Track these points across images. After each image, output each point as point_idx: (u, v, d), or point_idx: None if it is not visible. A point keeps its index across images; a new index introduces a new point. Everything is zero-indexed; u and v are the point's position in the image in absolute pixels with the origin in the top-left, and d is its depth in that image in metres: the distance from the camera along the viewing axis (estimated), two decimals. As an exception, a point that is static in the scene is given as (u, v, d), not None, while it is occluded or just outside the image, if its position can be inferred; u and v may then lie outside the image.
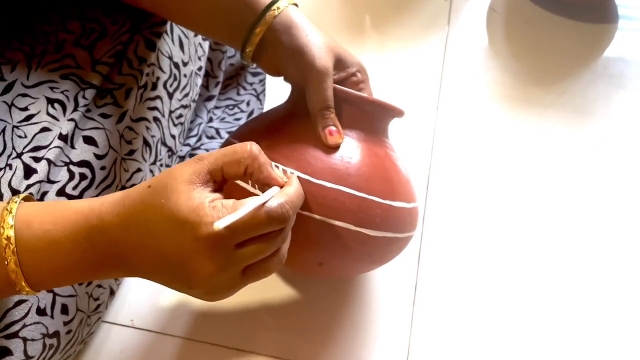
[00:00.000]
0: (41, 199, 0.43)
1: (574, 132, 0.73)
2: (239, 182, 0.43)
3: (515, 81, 0.79)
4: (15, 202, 0.36)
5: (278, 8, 0.45)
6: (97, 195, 0.47)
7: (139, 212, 0.34)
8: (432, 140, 0.72)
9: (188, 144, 0.67)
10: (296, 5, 0.47)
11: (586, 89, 0.77)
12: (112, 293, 0.54)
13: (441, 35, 0.84)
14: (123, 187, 0.51)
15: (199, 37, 0.64)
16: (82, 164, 0.46)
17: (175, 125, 0.60)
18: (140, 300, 0.58)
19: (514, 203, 0.66)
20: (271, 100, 0.73)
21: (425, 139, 0.72)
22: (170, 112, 0.58)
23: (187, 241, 0.33)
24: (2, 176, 0.42)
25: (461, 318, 0.58)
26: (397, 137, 0.55)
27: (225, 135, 0.69)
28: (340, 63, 0.48)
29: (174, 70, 0.57)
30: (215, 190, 0.36)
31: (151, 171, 0.56)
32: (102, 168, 0.47)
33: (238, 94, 0.74)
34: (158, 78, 0.54)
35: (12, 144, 0.43)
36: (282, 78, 0.49)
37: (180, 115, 0.60)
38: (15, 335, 0.41)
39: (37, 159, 0.43)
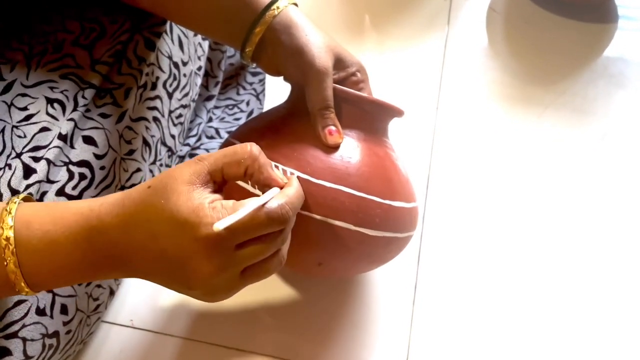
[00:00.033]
0: (40, 199, 0.43)
1: (573, 131, 0.73)
2: (239, 182, 0.43)
3: (515, 81, 0.78)
4: (15, 202, 0.35)
5: (278, 8, 0.45)
6: (96, 195, 0.47)
7: (139, 213, 0.34)
8: (431, 140, 0.72)
9: (188, 144, 0.67)
10: (296, 4, 0.47)
11: (586, 88, 0.77)
12: (112, 293, 0.54)
13: (441, 35, 0.84)
14: (122, 187, 0.51)
15: (199, 36, 0.64)
16: (82, 163, 0.46)
17: (174, 125, 0.60)
18: (140, 300, 0.58)
19: (514, 203, 0.66)
20: (271, 100, 0.73)
21: (425, 138, 0.72)
22: (170, 112, 0.58)
23: (187, 242, 0.33)
24: (1, 176, 0.41)
25: (461, 317, 0.58)
26: (396, 136, 0.55)
27: (225, 135, 0.69)
28: (340, 63, 0.48)
29: (174, 70, 0.57)
30: (215, 191, 0.36)
31: (151, 171, 0.56)
32: (102, 168, 0.47)
33: (238, 93, 0.74)
34: (157, 78, 0.54)
35: (12, 143, 0.43)
36: (281, 78, 0.49)
37: (180, 115, 0.60)
38: (14, 335, 0.41)
39: (36, 159, 0.43)
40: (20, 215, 0.35)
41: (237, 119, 0.71)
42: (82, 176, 0.46)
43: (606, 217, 0.65)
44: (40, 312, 0.43)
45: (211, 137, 0.69)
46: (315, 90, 0.45)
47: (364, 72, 0.50)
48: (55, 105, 0.45)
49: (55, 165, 0.44)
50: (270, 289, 0.59)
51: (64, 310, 0.45)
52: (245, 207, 0.33)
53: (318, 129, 0.45)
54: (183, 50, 0.59)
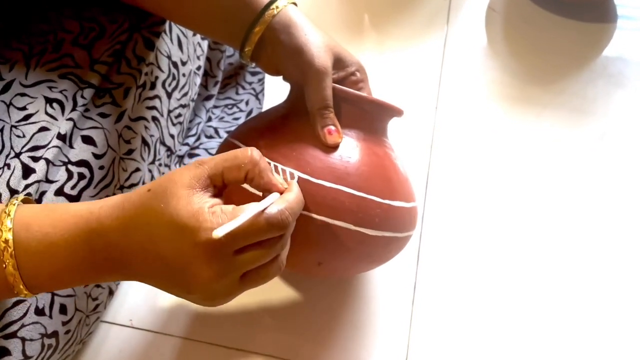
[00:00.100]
0: (40, 198, 0.43)
1: (572, 131, 0.73)
2: None
3: (514, 80, 0.79)
4: (14, 204, 0.35)
5: (277, 7, 0.45)
6: (95, 195, 0.47)
7: (139, 216, 0.34)
8: (431, 139, 0.72)
9: (187, 144, 0.67)
10: (295, 4, 0.47)
11: (585, 88, 0.77)
12: (111, 293, 0.54)
13: (440, 35, 0.84)
14: (122, 187, 0.51)
15: (198, 36, 0.64)
16: (81, 163, 0.46)
17: (174, 124, 0.60)
18: (139, 300, 0.58)
19: (513, 202, 0.66)
20: (270, 99, 0.73)
21: (424, 138, 0.72)
22: (169, 111, 0.58)
23: (186, 246, 0.33)
24: (0, 176, 0.41)
25: (460, 317, 0.58)
26: (396, 136, 0.55)
27: (224, 135, 0.69)
28: (339, 62, 0.48)
29: (173, 70, 0.57)
30: (215, 195, 0.36)
31: (150, 171, 0.56)
32: (101, 168, 0.47)
33: (237, 93, 0.74)
34: (157, 77, 0.54)
35: (11, 143, 0.43)
36: (281, 77, 0.49)
37: (179, 115, 0.60)
38: (13, 335, 0.41)
39: (35, 159, 0.43)
40: (19, 218, 0.35)
41: (236, 119, 0.71)
42: (81, 176, 0.45)
43: (605, 217, 0.65)
44: (39, 312, 0.43)
45: (210, 137, 0.69)
46: (315, 89, 0.45)
47: (364, 71, 0.50)
48: (54, 105, 0.45)
49: (54, 165, 0.44)
50: (270, 289, 0.59)
51: (63, 310, 0.45)
52: (245, 213, 0.33)
53: (317, 129, 0.45)
54: (182, 49, 0.59)
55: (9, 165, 0.42)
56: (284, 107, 0.51)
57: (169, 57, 0.56)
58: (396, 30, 0.84)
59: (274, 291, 0.59)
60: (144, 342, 0.56)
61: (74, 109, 0.46)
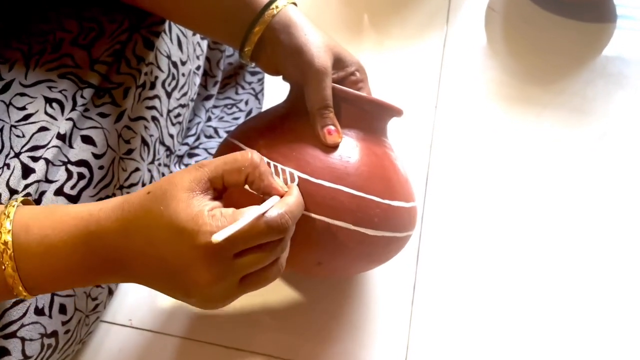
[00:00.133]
0: (39, 198, 0.43)
1: (572, 131, 0.73)
2: None
3: (513, 80, 0.79)
4: (13, 206, 0.35)
5: (277, 7, 0.45)
6: (95, 195, 0.47)
7: (138, 218, 0.34)
8: (430, 139, 0.72)
9: (186, 143, 0.67)
10: (295, 4, 0.47)
11: (585, 88, 0.77)
12: (111, 293, 0.54)
13: (440, 34, 0.84)
14: (121, 187, 0.51)
15: (198, 36, 0.64)
16: (80, 163, 0.46)
17: (173, 124, 0.60)
18: (139, 299, 0.58)
19: (513, 202, 0.66)
20: (270, 99, 0.73)
21: (423, 138, 0.72)
22: (169, 111, 0.58)
23: (185, 249, 0.33)
24: (0, 176, 0.41)
25: (459, 317, 0.58)
26: (395, 136, 0.55)
27: (224, 135, 0.69)
28: (339, 62, 0.48)
29: (173, 70, 0.57)
30: (215, 198, 0.36)
31: (149, 170, 0.56)
32: (100, 167, 0.47)
33: (236, 93, 0.74)
34: (156, 77, 0.54)
35: (10, 143, 0.43)
36: (280, 77, 0.49)
37: (179, 115, 0.60)
38: (13, 335, 0.41)
39: (35, 159, 0.43)
40: (18, 219, 0.35)
41: (236, 119, 0.71)
42: (81, 176, 0.45)
43: (605, 217, 0.65)
44: (38, 311, 0.43)
45: (210, 137, 0.69)
46: (315, 89, 0.44)
47: (363, 71, 0.50)
48: (54, 104, 0.45)
49: (53, 164, 0.44)
50: (269, 289, 0.58)
51: (62, 310, 0.45)
52: (245, 217, 0.33)
53: (317, 129, 0.45)
54: (182, 49, 0.59)
55: (8, 165, 0.42)
56: (284, 107, 0.51)
57: (168, 57, 0.56)
58: (396, 30, 0.84)
59: (274, 291, 0.59)
60: (144, 341, 0.56)
61: (73, 109, 0.46)
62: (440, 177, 0.68)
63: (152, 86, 0.54)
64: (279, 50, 0.45)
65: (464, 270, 0.61)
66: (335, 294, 0.59)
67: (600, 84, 0.78)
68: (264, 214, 0.34)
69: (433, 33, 0.84)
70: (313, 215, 0.43)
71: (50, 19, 0.50)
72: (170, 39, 0.56)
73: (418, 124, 0.73)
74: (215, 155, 0.51)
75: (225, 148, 0.49)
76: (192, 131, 0.68)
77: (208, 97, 0.71)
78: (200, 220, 0.33)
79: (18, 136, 0.43)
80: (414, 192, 0.51)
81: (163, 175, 0.60)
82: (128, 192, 0.52)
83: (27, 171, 0.42)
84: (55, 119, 0.45)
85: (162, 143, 0.58)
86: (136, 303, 0.58)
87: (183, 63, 0.59)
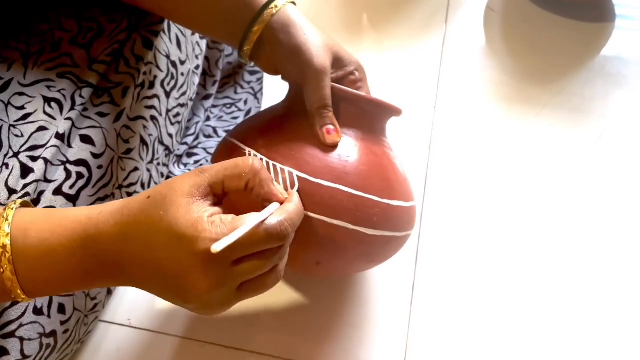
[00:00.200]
0: (38, 198, 0.43)
1: (571, 131, 0.73)
2: None
3: (512, 80, 0.79)
4: (12, 208, 0.35)
5: (276, 6, 0.45)
6: (94, 194, 0.47)
7: (138, 223, 0.34)
8: (429, 139, 0.72)
9: (185, 143, 0.67)
10: (294, 3, 0.47)
11: (583, 87, 0.78)
12: (109, 292, 0.54)
13: (439, 34, 0.84)
14: (120, 186, 0.50)
15: (197, 35, 0.64)
16: (79, 163, 0.45)
17: (172, 124, 0.59)
18: (138, 299, 0.58)
19: (512, 202, 0.66)
20: (269, 99, 0.73)
21: (422, 137, 0.72)
22: (168, 110, 0.58)
23: (184, 255, 0.33)
24: (-1, 175, 0.41)
25: (458, 317, 0.58)
26: (394, 136, 0.55)
27: (223, 134, 0.69)
28: (338, 62, 0.48)
29: (172, 69, 0.57)
30: (215, 204, 0.36)
31: (148, 170, 0.56)
32: (99, 167, 0.47)
33: (235, 92, 0.74)
34: (155, 77, 0.54)
35: (9, 143, 0.43)
36: (279, 77, 0.49)
37: (178, 114, 0.60)
38: (12, 334, 0.41)
39: (34, 158, 0.43)
40: (17, 222, 0.34)
41: (235, 118, 0.71)
42: (80, 175, 0.45)
43: (604, 216, 0.65)
44: (37, 311, 0.43)
45: (209, 136, 0.69)
46: (314, 89, 0.44)
47: (362, 71, 0.50)
48: (53, 104, 0.45)
49: (52, 164, 0.44)
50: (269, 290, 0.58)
51: (61, 309, 0.45)
52: (245, 225, 0.33)
53: (316, 128, 0.45)
54: (181, 49, 0.59)
55: (7, 165, 0.42)
56: (283, 106, 0.51)
57: (167, 57, 0.56)
58: (395, 29, 0.84)
59: (274, 291, 0.58)
60: (143, 341, 0.56)
61: (72, 109, 0.46)
62: (439, 176, 0.68)
63: (151, 86, 0.54)
64: (278, 50, 0.45)
65: (463, 270, 0.61)
66: (335, 294, 0.59)
67: (599, 84, 0.78)
68: (263, 221, 0.34)
69: (432, 33, 0.84)
70: (312, 214, 0.43)
71: (49, 19, 0.50)
72: (169, 39, 0.56)
73: (417, 123, 0.73)
74: (214, 155, 0.51)
75: (224, 147, 0.49)
76: (191, 131, 0.68)
77: (207, 97, 0.71)
78: (199, 227, 0.33)
79: (17, 136, 0.43)
80: (413, 192, 0.51)
81: (162, 174, 0.60)
82: (127, 192, 0.52)
83: (25, 171, 0.42)
84: (54, 118, 0.45)
85: (161, 142, 0.58)
86: (135, 303, 0.58)
87: (182, 62, 0.59)
